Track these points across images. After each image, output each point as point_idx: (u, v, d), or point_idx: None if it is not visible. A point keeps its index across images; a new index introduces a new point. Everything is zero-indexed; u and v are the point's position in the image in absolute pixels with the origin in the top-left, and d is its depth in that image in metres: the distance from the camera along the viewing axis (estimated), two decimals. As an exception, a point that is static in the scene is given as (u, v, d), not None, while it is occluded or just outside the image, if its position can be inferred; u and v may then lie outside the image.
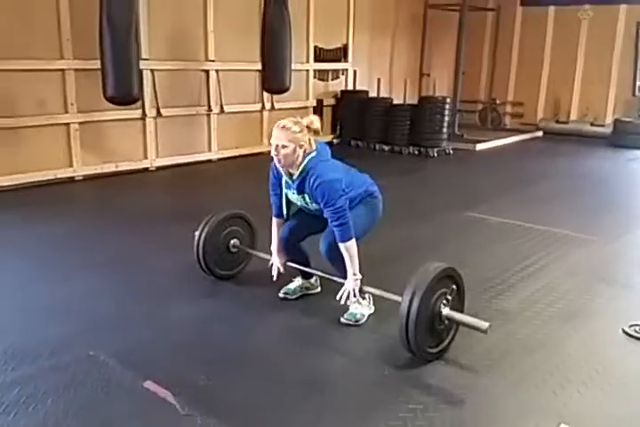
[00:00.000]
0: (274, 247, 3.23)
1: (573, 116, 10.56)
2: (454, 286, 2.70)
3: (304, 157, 2.89)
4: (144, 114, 6.51)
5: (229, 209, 3.54)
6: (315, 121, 2.94)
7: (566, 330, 3.02)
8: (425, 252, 4.17)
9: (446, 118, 8.32)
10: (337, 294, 2.98)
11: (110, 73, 5.47)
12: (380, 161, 7.98)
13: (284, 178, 3.00)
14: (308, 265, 3.26)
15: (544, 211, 5.37)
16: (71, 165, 6.04)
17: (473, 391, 2.44)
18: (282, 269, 3.23)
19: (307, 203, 3.00)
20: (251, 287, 3.47)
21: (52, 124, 5.84)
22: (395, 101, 8.89)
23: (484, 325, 2.57)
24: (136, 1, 5.72)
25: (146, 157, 6.67)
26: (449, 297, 2.65)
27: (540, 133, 10.54)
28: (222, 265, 3.47)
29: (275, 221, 3.20)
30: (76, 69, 5.87)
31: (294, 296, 3.31)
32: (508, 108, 11.24)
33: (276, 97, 7.72)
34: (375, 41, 9.76)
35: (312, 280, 3.38)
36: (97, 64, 5.57)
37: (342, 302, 2.93)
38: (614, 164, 8.16)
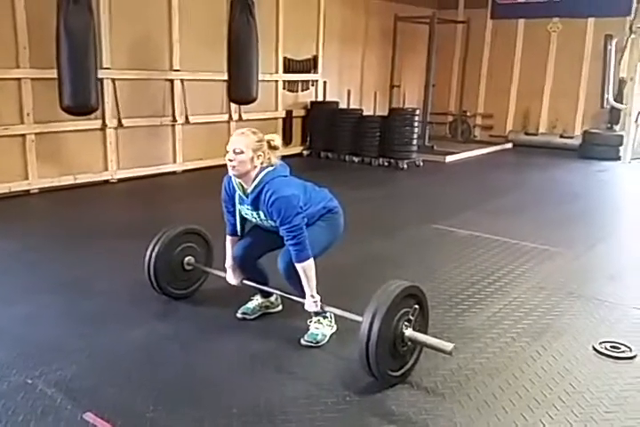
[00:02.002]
0: (228, 265, 3.07)
1: (542, 128, 10.62)
2: (417, 306, 2.56)
3: (260, 170, 2.74)
4: (104, 124, 6.31)
5: (185, 224, 3.37)
6: (276, 138, 2.83)
7: (535, 348, 2.91)
8: (391, 266, 4.06)
9: (416, 130, 8.28)
10: (299, 312, 2.83)
11: (67, 82, 5.29)
12: (349, 173, 7.89)
13: (238, 193, 2.84)
14: (266, 283, 3.10)
15: (513, 223, 5.30)
16: (26, 178, 5.80)
17: (438, 416, 2.30)
18: (236, 284, 3.07)
19: (262, 220, 2.85)
20: (207, 307, 3.29)
21: (7, 136, 5.61)
22: (365, 113, 8.83)
23: (449, 346, 2.44)
24: (95, 8, 5.56)
25: (106, 169, 6.45)
26: (412, 317, 2.52)
27: (509, 145, 10.57)
28: (176, 284, 3.29)
29: (229, 238, 3.05)
30: (32, 78, 5.66)
31: (253, 316, 3.15)
32: (478, 120, 11.28)
33: (244, 108, 7.58)
34: (345, 52, 9.71)
35: (272, 299, 3.22)
36: (55, 73, 5.38)
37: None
38: (583, 175, 8.18)
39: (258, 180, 2.74)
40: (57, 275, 3.76)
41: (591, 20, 9.87)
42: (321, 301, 2.82)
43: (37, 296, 3.39)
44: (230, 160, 2.72)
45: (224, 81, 7.11)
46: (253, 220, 2.91)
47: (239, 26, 6.75)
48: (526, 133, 10.63)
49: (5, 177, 5.64)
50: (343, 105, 9.15)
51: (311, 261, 2.75)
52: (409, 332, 2.49)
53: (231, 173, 2.78)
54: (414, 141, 8.26)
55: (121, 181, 6.57)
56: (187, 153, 7.23)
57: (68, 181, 6.12)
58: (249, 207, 2.82)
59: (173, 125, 7.06)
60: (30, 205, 5.64)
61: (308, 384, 2.53)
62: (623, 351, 2.87)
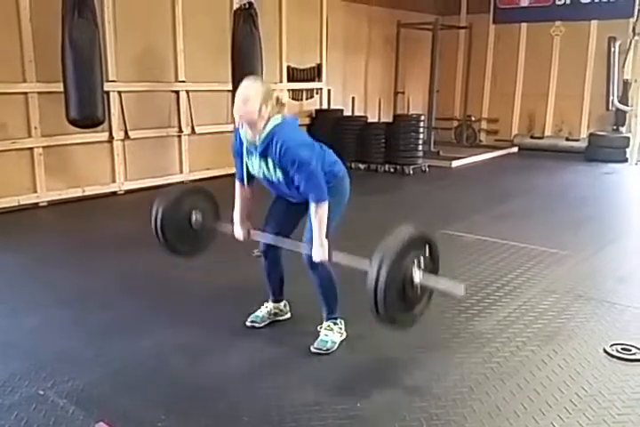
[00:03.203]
0: (236, 215, 2.98)
1: (548, 132, 10.60)
2: (428, 251, 2.48)
3: (268, 121, 2.67)
4: (111, 136, 6.36)
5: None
6: (284, 96, 2.82)
7: (546, 352, 2.89)
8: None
9: (421, 136, 8.30)
10: (308, 319, 2.82)
11: (73, 95, 5.34)
12: (356, 179, 7.76)
13: (245, 145, 2.77)
14: (282, 285, 3.12)
15: (520, 227, 5.29)
16: (35, 191, 5.85)
17: (449, 421, 2.30)
18: (242, 239, 2.98)
19: (269, 169, 2.74)
20: (216, 315, 3.29)
21: (15, 149, 5.66)
22: (370, 120, 8.85)
23: (460, 288, 2.41)
24: (100, 21, 5.62)
25: (114, 181, 6.49)
26: (421, 262, 2.43)
27: (515, 149, 10.56)
28: (183, 241, 3.15)
29: (237, 185, 2.96)
30: (39, 92, 5.71)
31: (262, 324, 3.15)
32: (484, 125, 11.27)
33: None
34: (349, 60, 9.74)
35: (281, 305, 3.22)
36: (61, 87, 5.43)
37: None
38: (590, 178, 8.15)
39: (267, 130, 2.66)
40: (67, 287, 3.78)
41: (594, 23, 9.87)
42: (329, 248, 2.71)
43: (48, 308, 3.41)
44: (238, 109, 2.66)
45: (229, 91, 7.15)
46: (260, 174, 2.81)
47: (243, 36, 6.80)
48: (532, 137, 10.61)
49: (14, 190, 5.68)
50: (348, 112, 9.17)
51: (327, 204, 2.68)
52: (418, 275, 2.41)
53: (239, 121, 2.71)
54: (420, 147, 8.27)
55: (128, 192, 6.60)
56: (193, 163, 7.26)
57: (76, 193, 6.15)
58: (257, 156, 2.74)
59: (180, 136, 7.10)
60: (39, 218, 5.68)
61: (319, 391, 2.52)
62: (634, 353, 2.85)
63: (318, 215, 2.68)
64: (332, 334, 2.92)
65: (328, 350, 2.85)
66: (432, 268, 2.55)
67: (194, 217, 3.11)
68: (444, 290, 2.46)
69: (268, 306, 3.19)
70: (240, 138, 2.80)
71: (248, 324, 3.13)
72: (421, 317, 2.54)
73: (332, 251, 2.71)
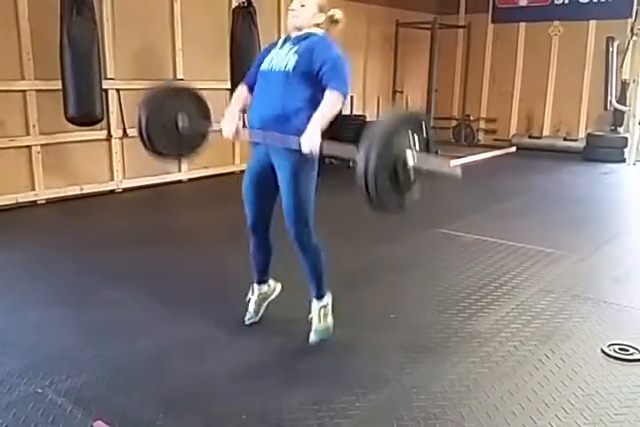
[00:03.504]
0: (229, 110, 2.91)
1: (546, 132, 10.61)
2: (420, 132, 2.40)
3: (316, 30, 2.72)
4: (109, 134, 6.35)
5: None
6: (338, 13, 2.81)
7: (543, 352, 2.90)
8: (397, 271, 4.06)
9: (420, 135, 8.28)
10: (305, 318, 2.82)
11: (71, 93, 5.32)
12: (354, 178, 7.88)
13: (279, 42, 2.77)
14: (267, 266, 3.11)
15: (518, 227, 5.30)
16: (33, 189, 5.83)
17: (447, 421, 2.30)
18: (231, 137, 2.88)
19: (286, 55, 2.67)
20: (213, 314, 3.28)
21: (13, 147, 5.65)
22: (368, 119, 8.84)
23: (456, 169, 2.34)
24: (98, 19, 5.61)
25: (112, 179, 6.48)
26: (414, 144, 2.34)
27: (513, 149, 10.56)
28: (170, 142, 3.02)
29: (239, 88, 2.93)
30: (37, 90, 5.70)
31: (259, 316, 3.15)
32: (482, 125, 11.27)
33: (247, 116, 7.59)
34: (347, 58, 9.72)
35: (264, 289, 3.17)
36: (59, 84, 5.42)
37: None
38: (588, 178, 8.17)
39: (311, 32, 2.71)
40: (65, 284, 3.78)
41: (592, 23, 9.87)
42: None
43: (45, 306, 3.41)
44: (293, 10, 2.71)
45: (227, 89, 7.14)
46: (268, 66, 2.72)
47: (241, 34, 6.79)
48: (530, 137, 10.62)
49: (12, 188, 5.67)
50: (346, 111, 9.17)
51: (341, 100, 2.59)
52: (411, 156, 2.32)
53: (290, 24, 2.74)
54: (418, 146, 8.26)
55: (126, 190, 6.59)
56: (192, 162, 7.24)
57: (74, 191, 6.15)
58: (281, 48, 2.72)
59: (178, 134, 7.08)
60: (37, 216, 5.67)
61: (316, 390, 2.53)
62: (632, 353, 2.86)
63: (329, 105, 2.55)
64: (324, 321, 2.93)
65: (327, 338, 2.88)
66: (426, 150, 2.43)
67: (180, 121, 2.98)
68: (440, 172, 2.37)
69: (253, 298, 3.16)
70: (268, 51, 2.80)
71: (247, 322, 3.14)
72: (416, 200, 2.45)
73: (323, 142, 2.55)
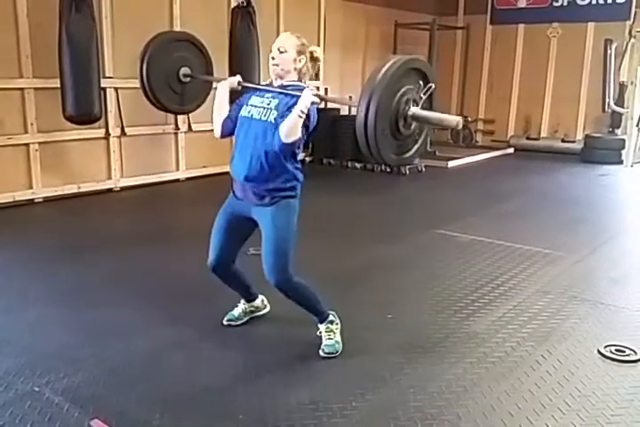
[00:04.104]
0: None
1: (544, 133, 10.63)
2: (421, 82, 2.35)
3: (299, 80, 2.74)
4: (107, 133, 6.34)
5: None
6: (318, 50, 2.84)
7: (540, 352, 2.91)
8: (395, 271, 4.07)
9: (418, 135, 8.28)
10: (301, 319, 2.82)
11: (70, 91, 5.31)
12: (352, 179, 7.91)
13: (259, 93, 2.79)
14: (250, 285, 3.09)
15: (515, 228, 5.30)
16: (31, 187, 5.82)
17: (444, 421, 2.30)
18: (235, 84, 2.97)
19: (267, 106, 2.69)
20: (210, 315, 3.26)
21: (11, 145, 5.63)
22: (366, 119, 8.84)
23: (455, 120, 2.27)
24: (97, 17, 5.60)
25: (110, 178, 6.47)
26: (415, 95, 2.30)
27: (511, 150, 10.58)
28: (173, 97, 3.05)
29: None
30: (35, 88, 5.69)
31: (239, 322, 3.14)
32: (480, 126, 11.29)
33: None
34: (346, 59, 9.73)
35: (256, 303, 3.19)
36: (58, 82, 5.41)
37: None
38: (585, 179, 8.18)
39: (296, 83, 2.72)
40: (62, 283, 3.77)
41: (591, 25, 9.89)
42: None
43: (43, 305, 3.40)
44: (273, 58, 2.72)
45: (226, 89, 7.14)
46: (251, 114, 2.74)
47: (240, 34, 6.78)
48: (528, 138, 10.63)
49: (10, 186, 5.66)
50: (344, 112, 9.16)
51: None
52: (412, 109, 2.27)
53: (272, 73, 2.76)
54: (416, 147, 8.27)
55: (124, 189, 6.59)
56: (190, 161, 7.24)
57: (71, 189, 6.14)
58: (263, 97, 2.73)
59: (176, 133, 7.08)
60: (34, 214, 5.66)
61: (313, 390, 2.53)
62: (628, 355, 2.87)
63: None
64: (334, 335, 2.90)
65: (337, 351, 2.85)
66: (427, 103, 2.40)
67: (181, 73, 3.00)
68: (438, 120, 2.33)
69: (242, 305, 3.18)
70: (249, 97, 2.81)
71: (225, 323, 3.12)
72: (417, 155, 2.42)
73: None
